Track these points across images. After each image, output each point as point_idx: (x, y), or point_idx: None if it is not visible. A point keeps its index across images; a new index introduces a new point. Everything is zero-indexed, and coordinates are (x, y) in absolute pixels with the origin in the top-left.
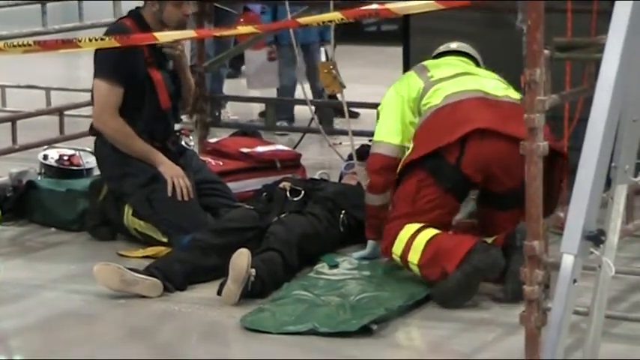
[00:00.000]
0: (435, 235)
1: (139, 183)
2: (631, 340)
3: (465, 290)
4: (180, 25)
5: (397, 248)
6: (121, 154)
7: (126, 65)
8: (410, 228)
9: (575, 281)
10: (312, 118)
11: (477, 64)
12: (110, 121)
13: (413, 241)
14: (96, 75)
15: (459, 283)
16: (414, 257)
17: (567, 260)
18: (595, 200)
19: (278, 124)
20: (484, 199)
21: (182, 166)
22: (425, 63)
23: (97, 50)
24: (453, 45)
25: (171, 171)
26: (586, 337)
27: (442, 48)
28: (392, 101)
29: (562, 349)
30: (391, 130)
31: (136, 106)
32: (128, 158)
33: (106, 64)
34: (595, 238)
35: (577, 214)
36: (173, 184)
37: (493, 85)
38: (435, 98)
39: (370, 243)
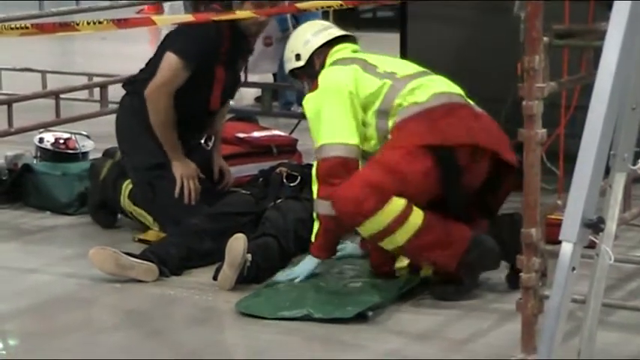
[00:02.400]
0: (427, 219)
1: (147, 164)
2: (627, 328)
3: (469, 289)
4: (256, 32)
5: (382, 221)
6: (142, 126)
7: (205, 55)
8: (398, 202)
9: (574, 269)
10: None
11: None
12: (164, 97)
13: (405, 219)
14: (175, 49)
15: (462, 289)
16: (402, 237)
17: (566, 248)
18: (594, 188)
19: (293, 108)
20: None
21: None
22: (362, 57)
23: (184, 26)
24: (335, 30)
25: (183, 170)
26: (583, 324)
27: (327, 35)
28: (338, 98)
29: (560, 337)
30: (346, 129)
31: (188, 96)
32: (147, 132)
33: (191, 44)
34: (594, 225)
35: (576, 201)
36: (182, 184)
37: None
38: (419, 96)
39: (313, 260)
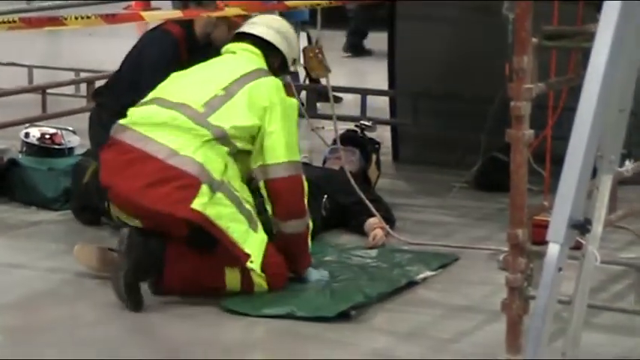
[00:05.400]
0: None
1: None
2: (612, 330)
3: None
4: (207, 35)
5: None
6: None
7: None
8: None
9: (560, 269)
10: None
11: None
12: None
13: None
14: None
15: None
16: None
17: (553, 249)
18: (582, 189)
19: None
20: None
21: None
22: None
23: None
24: (256, 30)
25: None
26: (568, 326)
27: (245, 28)
28: None
29: (546, 337)
30: None
31: None
32: None
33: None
34: (581, 227)
35: (564, 202)
36: None
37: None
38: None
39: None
